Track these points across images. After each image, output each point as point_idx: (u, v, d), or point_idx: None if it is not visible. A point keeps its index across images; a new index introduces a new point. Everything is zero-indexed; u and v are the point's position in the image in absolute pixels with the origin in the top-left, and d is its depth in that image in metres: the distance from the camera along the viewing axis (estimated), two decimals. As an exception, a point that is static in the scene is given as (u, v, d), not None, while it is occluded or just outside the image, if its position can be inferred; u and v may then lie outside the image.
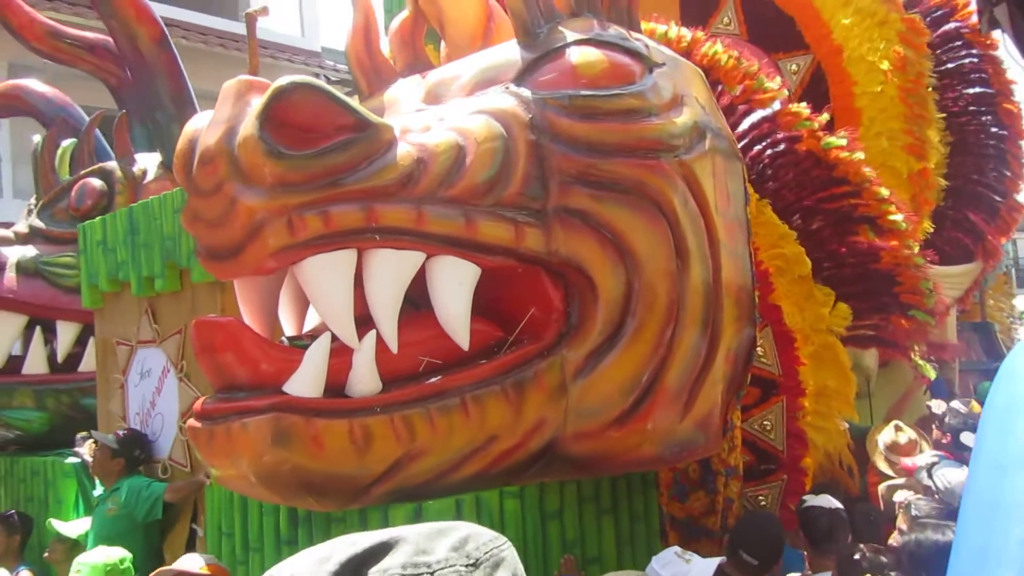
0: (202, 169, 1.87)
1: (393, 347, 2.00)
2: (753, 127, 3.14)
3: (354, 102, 1.93)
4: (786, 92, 3.16)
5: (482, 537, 0.67)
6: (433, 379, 2.05)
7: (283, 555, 2.29)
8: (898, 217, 3.06)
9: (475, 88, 2.32)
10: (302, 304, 2.16)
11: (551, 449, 2.18)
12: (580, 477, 2.24)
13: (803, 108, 3.12)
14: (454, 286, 2.07)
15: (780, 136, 3.14)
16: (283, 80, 1.87)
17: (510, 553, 0.68)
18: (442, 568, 0.62)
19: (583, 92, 2.18)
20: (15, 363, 4.44)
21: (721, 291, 2.40)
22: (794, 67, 3.78)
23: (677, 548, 2.51)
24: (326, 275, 1.91)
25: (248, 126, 1.82)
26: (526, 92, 2.20)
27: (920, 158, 3.63)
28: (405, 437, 1.96)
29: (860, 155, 3.07)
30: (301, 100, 1.86)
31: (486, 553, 0.66)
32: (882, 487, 3.55)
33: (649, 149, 2.21)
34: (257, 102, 1.85)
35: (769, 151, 3.16)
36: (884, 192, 3.07)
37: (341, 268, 1.92)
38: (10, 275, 4.05)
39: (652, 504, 2.61)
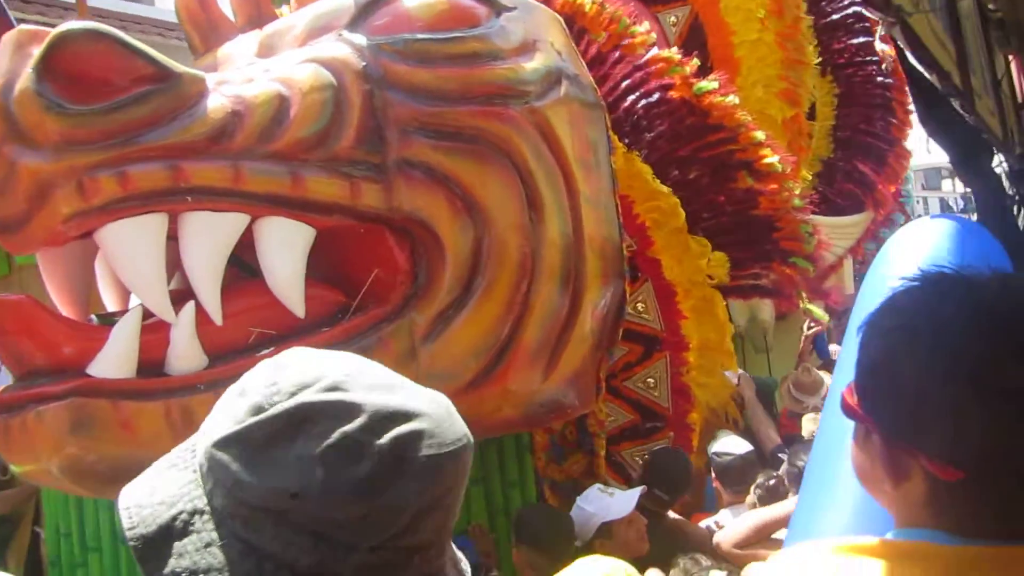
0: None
1: (216, 318, 1.84)
2: (624, 77, 3.03)
3: (153, 51, 1.74)
4: (655, 36, 3.05)
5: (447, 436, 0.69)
6: (265, 351, 1.89)
7: (122, 554, 2.12)
8: (774, 159, 2.99)
9: (308, 37, 2.15)
10: (124, 278, 1.98)
11: (404, 419, 2.05)
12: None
13: (674, 54, 3.02)
14: (283, 249, 1.91)
15: (652, 85, 3.03)
16: (66, 25, 1.67)
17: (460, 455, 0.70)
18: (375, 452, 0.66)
19: (419, 36, 2.03)
20: None
21: (583, 244, 2.29)
22: (673, 19, 3.68)
23: (600, 485, 2.52)
24: (130, 243, 1.73)
25: (24, 79, 1.62)
26: (360, 38, 2.04)
27: (793, 104, 3.59)
28: (234, 415, 1.80)
29: (734, 99, 3.00)
30: (88, 49, 1.67)
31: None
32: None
33: (494, 95, 2.07)
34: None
35: (642, 101, 3.05)
36: (760, 135, 3.01)
37: (147, 234, 1.74)
38: None
39: (527, 469, 2.52)
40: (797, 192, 3.01)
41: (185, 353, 1.81)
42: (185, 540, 0.67)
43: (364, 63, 2.00)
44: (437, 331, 2.04)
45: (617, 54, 3.06)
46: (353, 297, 2.05)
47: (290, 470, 0.66)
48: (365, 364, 0.73)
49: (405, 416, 0.68)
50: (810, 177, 3.89)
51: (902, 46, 1.91)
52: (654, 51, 3.07)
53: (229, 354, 1.87)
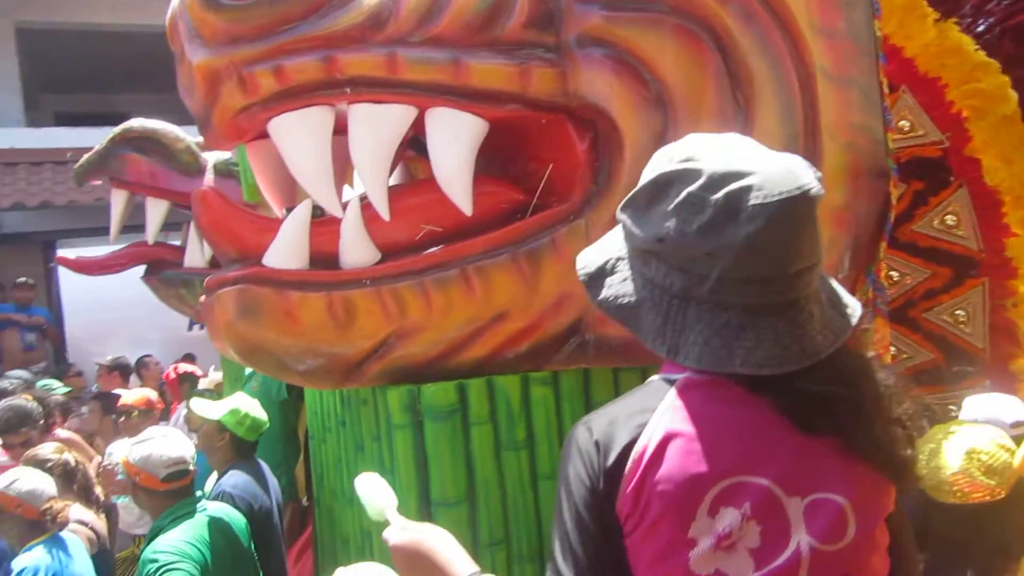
0: (170, 35, 1.81)
1: (383, 214, 1.81)
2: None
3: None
4: None
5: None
6: (432, 249, 1.84)
7: (340, 433, 2.27)
8: None
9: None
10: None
11: (580, 331, 1.87)
12: (626, 364, 1.90)
13: None
14: (449, 141, 1.81)
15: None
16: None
17: None
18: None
19: None
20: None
21: (819, 132, 1.85)
22: None
23: None
24: (294, 136, 1.76)
25: (192, -22, 1.71)
26: (533, -99, 1.82)
27: None
28: (394, 312, 1.78)
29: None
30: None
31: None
32: None
33: (686, -49, 1.72)
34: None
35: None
36: None
37: (310, 127, 1.75)
38: (209, 176, 4.45)
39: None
40: None
41: (353, 248, 1.82)
42: (611, 277, 1.03)
43: (536, -71, 1.78)
44: (616, 234, 1.80)
45: None
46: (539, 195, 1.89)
47: (656, 222, 0.97)
48: (727, 139, 1.02)
49: (737, 175, 0.94)
50: None
51: None
52: None
53: (401, 251, 1.85)
